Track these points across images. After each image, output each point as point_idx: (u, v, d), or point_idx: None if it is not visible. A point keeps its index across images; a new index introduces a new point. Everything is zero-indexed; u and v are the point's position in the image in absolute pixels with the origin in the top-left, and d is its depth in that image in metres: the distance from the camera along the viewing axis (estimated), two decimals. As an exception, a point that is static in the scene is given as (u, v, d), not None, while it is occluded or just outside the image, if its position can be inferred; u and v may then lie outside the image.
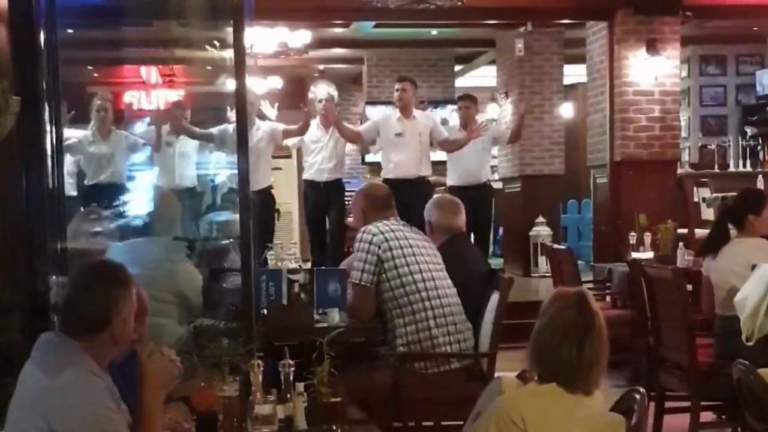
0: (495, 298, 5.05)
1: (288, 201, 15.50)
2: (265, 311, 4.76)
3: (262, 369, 3.53)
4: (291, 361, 3.64)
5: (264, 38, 11.52)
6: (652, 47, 10.13)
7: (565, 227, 15.55)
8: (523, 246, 12.75)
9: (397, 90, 9.71)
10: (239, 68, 4.46)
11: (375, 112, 13.25)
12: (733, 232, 6.02)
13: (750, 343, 5.38)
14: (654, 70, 10.19)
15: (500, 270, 6.97)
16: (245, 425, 3.09)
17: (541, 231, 12.56)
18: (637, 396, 3.18)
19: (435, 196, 5.70)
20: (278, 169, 16.57)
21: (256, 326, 4.38)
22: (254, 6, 9.55)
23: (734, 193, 9.90)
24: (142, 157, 9.78)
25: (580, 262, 10.28)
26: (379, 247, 4.93)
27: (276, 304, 4.74)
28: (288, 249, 6.04)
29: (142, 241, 5.16)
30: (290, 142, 9.97)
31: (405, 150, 9.52)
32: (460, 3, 8.08)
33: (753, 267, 5.52)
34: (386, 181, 9.41)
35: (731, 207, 6.19)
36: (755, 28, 13.30)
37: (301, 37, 11.60)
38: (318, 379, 3.63)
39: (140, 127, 10.03)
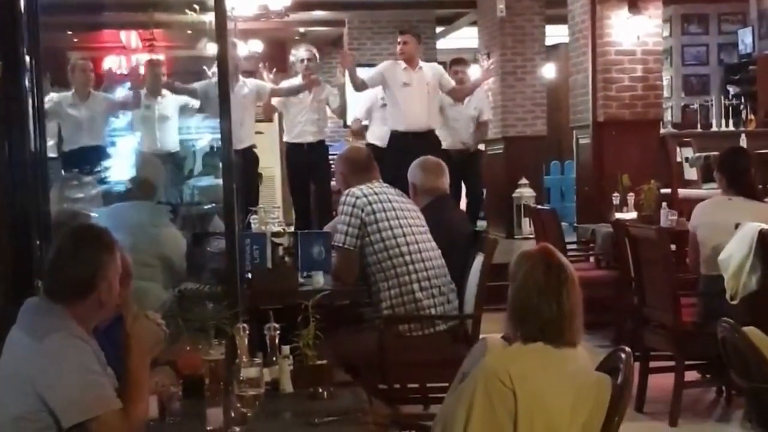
0: (479, 259, 5.05)
1: (270, 165, 15.44)
2: (250, 275, 4.75)
3: (247, 332, 3.53)
4: (276, 324, 3.64)
5: (244, 1, 11.42)
6: (634, 6, 10.07)
7: (548, 188, 15.57)
8: (506, 208, 12.75)
9: (399, 43, 9.64)
10: (221, 31, 4.39)
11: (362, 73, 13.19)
12: (718, 190, 6.05)
13: (734, 302, 5.42)
14: (636, 30, 10.14)
15: (485, 231, 6.96)
16: (232, 388, 3.07)
17: (524, 192, 12.56)
18: (623, 355, 3.18)
19: (419, 158, 5.64)
20: (260, 133, 16.53)
21: (241, 290, 4.38)
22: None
23: (716, 153, 9.98)
24: (123, 122, 9.73)
25: (563, 223, 10.29)
26: (363, 210, 4.91)
27: (260, 267, 4.72)
28: (271, 213, 6.02)
29: (126, 205, 5.13)
30: (275, 100, 9.91)
31: (413, 100, 9.40)
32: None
33: (737, 226, 5.54)
34: (394, 134, 9.40)
35: (722, 164, 6.18)
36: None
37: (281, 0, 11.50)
38: (304, 341, 3.63)
39: (120, 91, 9.97)
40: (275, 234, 4.82)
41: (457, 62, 10.71)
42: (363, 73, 9.79)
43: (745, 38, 14.70)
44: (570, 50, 11.16)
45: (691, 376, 6.01)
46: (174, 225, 5.06)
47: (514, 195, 12.61)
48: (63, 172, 8.08)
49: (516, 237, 12.48)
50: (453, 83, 9.87)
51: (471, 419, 3.01)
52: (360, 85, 9.61)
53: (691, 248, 6.07)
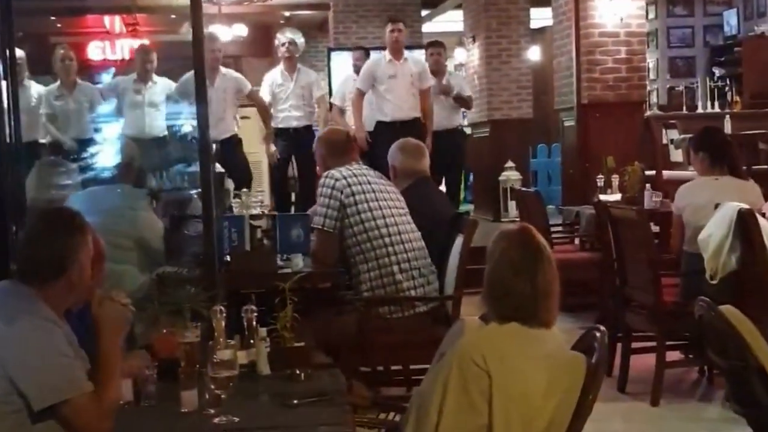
0: (459, 241, 5.03)
1: (257, 150, 15.41)
2: (229, 258, 4.73)
3: (224, 315, 3.51)
4: (254, 307, 3.63)
5: (227, -15, 11.41)
6: (617, -12, 10.09)
7: (535, 171, 15.57)
8: (493, 191, 12.75)
9: (392, 31, 9.66)
10: (196, 15, 4.37)
11: (341, 59, 13.19)
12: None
13: (714, 282, 5.42)
14: (619, 11, 10.13)
15: (466, 213, 6.95)
16: (206, 370, 3.06)
17: (511, 176, 12.56)
18: (598, 334, 3.18)
19: (399, 140, 5.63)
20: (246, 118, 16.49)
21: (220, 272, 4.37)
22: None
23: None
24: (109, 109, 9.71)
25: (550, 206, 10.32)
26: (342, 192, 4.89)
27: (239, 250, 4.71)
28: (253, 197, 6.01)
29: (102, 188, 5.11)
30: (264, 96, 9.90)
31: (397, 92, 9.53)
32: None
33: (716, 206, 5.54)
34: (380, 124, 9.46)
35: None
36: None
37: (264, -17, 11.49)
38: (281, 324, 3.62)
39: (106, 77, 9.96)
40: (254, 216, 4.81)
41: (433, 45, 10.76)
42: (347, 84, 10.25)
43: (730, 20, 14.70)
44: (554, 32, 11.14)
45: (674, 356, 6.02)
46: (151, 208, 5.03)
47: (500, 178, 12.60)
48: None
49: (503, 220, 12.47)
50: (431, 83, 9.89)
51: (446, 400, 3.00)
52: (362, 105, 9.74)
53: (675, 230, 6.06)
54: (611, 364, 6.32)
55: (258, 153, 15.61)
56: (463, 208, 15.22)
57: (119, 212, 4.76)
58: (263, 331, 3.58)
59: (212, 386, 3.00)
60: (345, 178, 4.93)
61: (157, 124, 9.47)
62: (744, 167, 10.22)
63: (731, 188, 5.78)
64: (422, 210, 5.22)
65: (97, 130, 9.43)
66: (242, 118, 17.07)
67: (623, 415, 5.67)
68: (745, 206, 5.37)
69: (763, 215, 6.53)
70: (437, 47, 10.58)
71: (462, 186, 15.77)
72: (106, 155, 7.90)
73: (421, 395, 3.15)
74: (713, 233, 5.43)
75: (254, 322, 3.61)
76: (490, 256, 3.23)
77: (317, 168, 5.25)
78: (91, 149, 8.47)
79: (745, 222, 5.32)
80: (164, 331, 3.48)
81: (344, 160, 5.08)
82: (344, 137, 5.30)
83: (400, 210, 5.06)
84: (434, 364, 3.29)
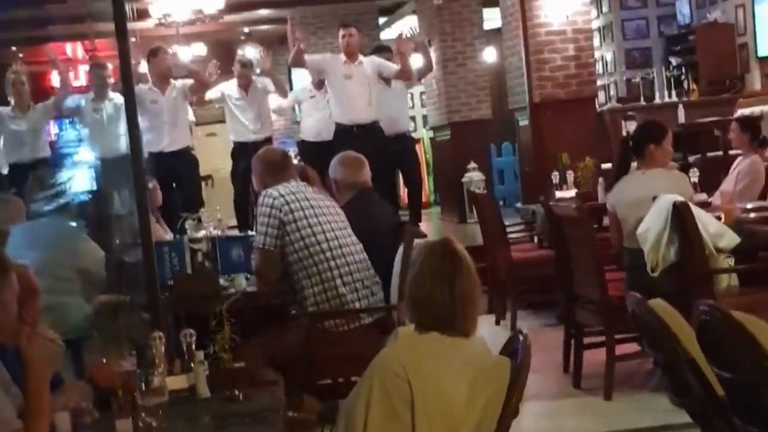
0: (401, 250, 5.10)
1: (223, 167, 15.45)
2: (172, 282, 4.79)
3: (163, 341, 3.59)
4: (192, 331, 3.70)
5: (178, 6, 11.48)
6: (561, -15, 10.20)
7: (501, 170, 15.66)
8: (457, 193, 12.84)
9: (343, 36, 9.78)
10: (121, 37, 4.42)
11: (301, 71, 13.26)
12: (634, 163, 6.13)
13: (655, 274, 5.51)
14: (565, 9, 10.25)
15: (408, 222, 7.01)
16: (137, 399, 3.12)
17: (474, 177, 12.65)
18: (521, 337, 3.27)
19: (339, 154, 5.70)
20: (213, 135, 16.52)
21: (163, 297, 4.43)
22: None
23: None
24: (71, 133, 9.74)
25: (518, 204, 10.42)
26: (281, 210, 4.94)
27: (180, 274, 4.78)
28: (209, 216, 6.04)
29: (41, 221, 5.13)
30: (212, 95, 10.04)
31: (354, 93, 9.62)
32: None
33: (654, 198, 5.63)
34: (339, 126, 9.59)
35: (632, 138, 6.27)
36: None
37: (214, 3, 11.56)
38: (219, 346, 3.69)
39: (71, 102, 9.99)
40: (192, 240, 4.87)
41: (379, 50, 10.74)
42: (303, 93, 10.49)
43: (683, 9, 14.81)
44: (503, 33, 11.25)
45: (630, 348, 6.10)
46: (88, 237, 5.05)
47: (463, 180, 12.69)
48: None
49: (469, 221, 12.55)
50: (395, 67, 9.91)
51: (370, 410, 3.08)
52: (299, 61, 9.84)
53: (612, 227, 6.16)
54: (566, 361, 6.43)
55: (225, 169, 15.69)
56: (433, 210, 15.37)
57: (57, 243, 4.80)
58: (200, 355, 3.64)
59: (143, 414, 3.06)
60: (283, 196, 4.98)
61: (120, 141, 9.46)
62: (700, 155, 10.45)
63: (659, 180, 5.86)
64: (364, 222, 5.28)
65: (61, 154, 9.47)
66: (208, 135, 17.09)
67: (576, 410, 5.76)
68: (680, 198, 5.46)
69: (710, 203, 6.67)
70: (384, 52, 10.42)
71: (432, 188, 15.94)
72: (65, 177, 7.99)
73: (348, 406, 3.23)
74: (651, 226, 5.51)
75: (192, 346, 3.67)
76: (413, 265, 3.34)
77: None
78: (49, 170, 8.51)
79: (680, 214, 5.41)
80: (103, 360, 3.54)
81: (282, 178, 5.13)
82: (281, 156, 5.37)
83: (339, 224, 5.12)
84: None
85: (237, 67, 10.08)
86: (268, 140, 9.99)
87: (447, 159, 13.27)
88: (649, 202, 5.64)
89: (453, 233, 11.94)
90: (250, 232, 5.84)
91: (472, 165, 12.71)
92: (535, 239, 8.95)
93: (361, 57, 9.87)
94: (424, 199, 14.12)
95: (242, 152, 9.85)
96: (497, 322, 8.29)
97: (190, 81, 9.71)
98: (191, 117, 10.41)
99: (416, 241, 4.74)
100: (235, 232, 8.99)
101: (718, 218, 5.80)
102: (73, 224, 4.96)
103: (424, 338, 3.19)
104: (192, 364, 3.63)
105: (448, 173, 13.18)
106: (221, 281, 4.93)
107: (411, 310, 3.26)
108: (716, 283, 5.51)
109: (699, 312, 3.27)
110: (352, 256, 5.05)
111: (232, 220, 9.63)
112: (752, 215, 6.17)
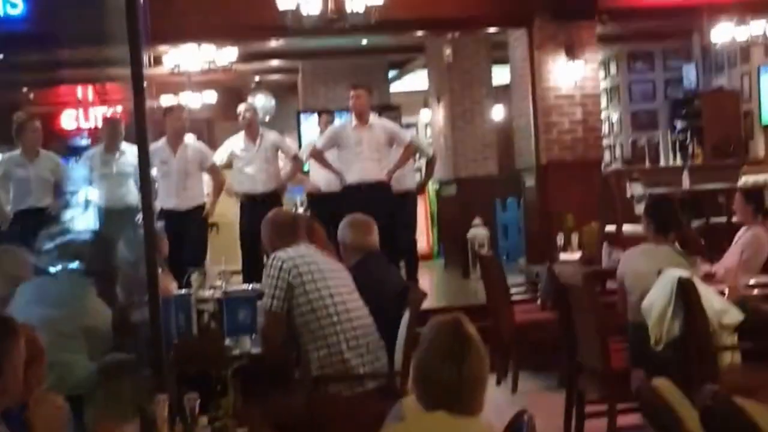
0: (407, 314, 5.13)
1: (229, 213, 15.44)
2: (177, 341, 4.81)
3: (168, 403, 3.60)
4: (195, 395, 3.72)
5: (191, 57, 11.59)
6: (571, 52, 10.28)
7: (506, 225, 15.66)
8: (461, 248, 12.85)
9: (351, 98, 9.80)
10: (138, 92, 4.43)
11: (310, 121, 13.37)
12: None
13: (659, 348, 5.52)
14: (574, 75, 10.34)
15: (414, 286, 7.01)
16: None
17: (478, 233, 12.64)
18: (525, 417, 3.28)
19: (348, 216, 5.74)
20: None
21: (168, 357, 4.43)
22: (183, 27, 9.54)
23: (660, 189, 10.13)
24: (78, 182, 9.75)
25: (521, 259, 10.43)
26: (289, 273, 4.97)
27: (186, 334, 4.79)
28: (213, 271, 6.06)
29: (48, 278, 5.14)
30: (219, 159, 9.98)
31: (364, 158, 9.68)
32: (372, 21, 8.15)
33: (659, 272, 5.65)
34: (348, 187, 9.62)
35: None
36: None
37: (227, 54, 11.68)
38: (224, 411, 3.71)
39: (80, 142, 10.01)
40: (200, 300, 4.89)
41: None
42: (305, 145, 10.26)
43: (689, 74, 14.95)
44: (512, 94, 11.35)
45: (632, 419, 6.06)
46: (95, 295, 5.03)
47: (468, 235, 12.69)
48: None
49: (472, 277, 12.53)
50: (408, 138, 10.19)
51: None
52: (318, 158, 9.94)
53: (619, 295, 6.18)
54: (567, 428, 6.41)
55: (230, 214, 15.72)
56: (436, 262, 15.35)
57: (65, 301, 4.80)
58: (204, 420, 3.66)
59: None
60: (292, 259, 5.01)
61: (129, 193, 9.46)
62: (704, 220, 10.47)
63: (670, 256, 5.90)
64: (371, 285, 5.30)
65: (68, 204, 9.48)
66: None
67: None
68: (686, 274, 5.48)
69: (713, 275, 6.68)
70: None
71: (436, 239, 15.96)
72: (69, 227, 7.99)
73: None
74: (655, 301, 5.53)
75: (196, 411, 3.69)
76: (421, 342, 3.32)
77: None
78: (52, 221, 8.53)
79: (685, 289, 5.43)
80: (105, 424, 3.55)
81: (291, 241, 5.17)
82: (291, 218, 5.41)
83: (347, 288, 5.15)
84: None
85: (240, 115, 9.95)
86: (275, 193, 9.94)
87: (452, 213, 13.32)
88: (655, 276, 5.66)
89: (456, 289, 11.98)
90: (256, 286, 5.84)
91: (477, 221, 12.73)
92: (539, 300, 8.95)
93: (372, 118, 9.90)
94: (426, 251, 14.21)
95: (250, 206, 9.76)
96: (498, 383, 8.26)
97: (212, 159, 9.70)
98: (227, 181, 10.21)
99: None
100: (239, 278, 9.05)
101: (722, 293, 5.82)
102: (82, 280, 4.96)
103: (429, 417, 3.19)
104: (194, 428, 3.65)
105: (453, 228, 13.22)
106: (226, 341, 4.94)
107: (417, 386, 3.26)
108: (719, 360, 5.51)
109: (703, 396, 3.34)
110: (358, 321, 5.07)
111: (236, 264, 9.54)
112: (755, 291, 6.19)
